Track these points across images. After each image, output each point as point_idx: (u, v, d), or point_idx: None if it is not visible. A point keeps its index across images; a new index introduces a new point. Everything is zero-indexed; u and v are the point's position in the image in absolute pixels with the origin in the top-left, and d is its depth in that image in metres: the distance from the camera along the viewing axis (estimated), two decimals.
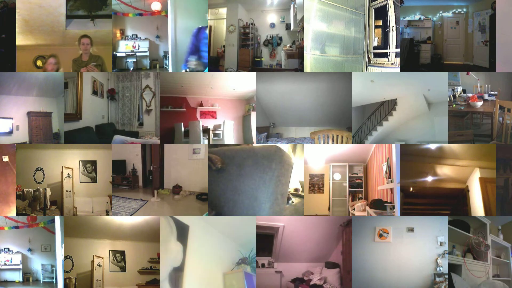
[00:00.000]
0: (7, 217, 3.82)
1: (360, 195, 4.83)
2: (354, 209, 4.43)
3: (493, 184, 3.75)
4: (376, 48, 4.20)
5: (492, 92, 4.21)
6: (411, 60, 4.36)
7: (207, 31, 4.06)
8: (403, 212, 3.79)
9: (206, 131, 4.62)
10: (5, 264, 4.19)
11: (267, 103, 4.44)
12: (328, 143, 3.98)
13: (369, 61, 4.14)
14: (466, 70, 4.16)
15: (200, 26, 3.92)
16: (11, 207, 3.73)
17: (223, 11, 4.65)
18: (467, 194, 3.96)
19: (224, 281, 3.66)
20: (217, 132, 4.71)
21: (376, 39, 4.21)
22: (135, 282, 4.12)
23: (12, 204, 3.74)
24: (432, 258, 3.70)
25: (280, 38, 4.74)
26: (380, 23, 4.20)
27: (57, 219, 3.83)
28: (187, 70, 3.90)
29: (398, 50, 4.05)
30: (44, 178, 4.10)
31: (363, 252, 3.74)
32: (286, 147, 3.89)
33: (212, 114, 4.99)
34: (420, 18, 4.55)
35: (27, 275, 4.32)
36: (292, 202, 3.65)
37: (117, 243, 4.26)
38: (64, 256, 3.88)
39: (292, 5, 4.52)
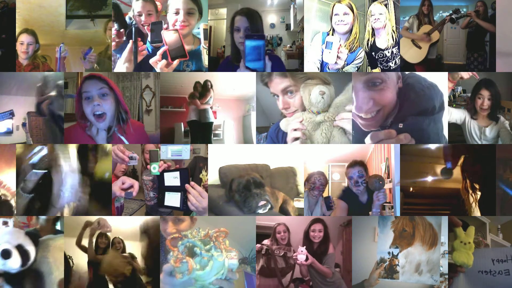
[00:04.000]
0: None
1: None
2: None
3: None
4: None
5: None
6: None
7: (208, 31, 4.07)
8: (403, 212, 3.79)
9: None
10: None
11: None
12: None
13: None
14: (466, 70, 4.16)
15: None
16: None
17: (223, 11, 4.64)
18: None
19: None
20: (217, 132, 4.69)
21: None
22: None
23: None
24: None
25: (280, 39, 4.72)
26: None
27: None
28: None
29: (398, 50, 4.05)
30: None
31: (363, 252, 3.75)
32: None
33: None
34: None
35: None
36: None
37: None
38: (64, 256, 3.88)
39: (292, 5, 4.51)
